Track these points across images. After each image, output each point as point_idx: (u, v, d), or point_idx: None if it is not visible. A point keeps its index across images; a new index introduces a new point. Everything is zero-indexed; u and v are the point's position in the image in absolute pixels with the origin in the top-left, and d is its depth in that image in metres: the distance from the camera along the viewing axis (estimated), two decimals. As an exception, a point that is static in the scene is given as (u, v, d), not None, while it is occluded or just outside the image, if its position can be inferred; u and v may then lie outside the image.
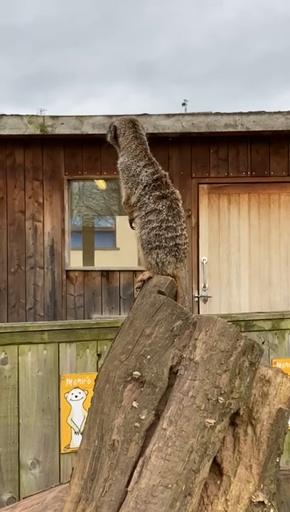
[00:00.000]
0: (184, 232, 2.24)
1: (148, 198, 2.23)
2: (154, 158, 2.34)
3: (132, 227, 2.33)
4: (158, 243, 2.18)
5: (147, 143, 2.42)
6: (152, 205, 2.22)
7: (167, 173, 2.31)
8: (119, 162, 2.37)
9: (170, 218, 2.20)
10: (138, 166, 2.30)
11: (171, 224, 2.20)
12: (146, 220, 2.21)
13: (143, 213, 2.23)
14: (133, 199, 2.28)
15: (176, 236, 2.20)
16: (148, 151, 2.36)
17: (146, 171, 2.28)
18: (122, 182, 2.34)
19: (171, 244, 2.19)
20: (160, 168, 2.32)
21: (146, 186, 2.25)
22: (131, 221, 2.33)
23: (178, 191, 2.29)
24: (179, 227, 2.22)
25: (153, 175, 2.27)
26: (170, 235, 2.19)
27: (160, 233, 2.18)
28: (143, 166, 2.29)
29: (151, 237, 2.19)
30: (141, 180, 2.26)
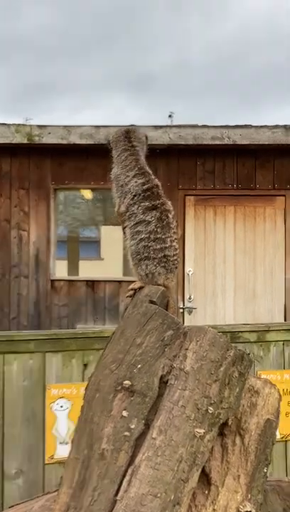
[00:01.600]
0: (174, 244, 2.24)
1: (137, 208, 2.22)
2: (147, 168, 2.34)
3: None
4: (146, 254, 2.18)
5: (141, 152, 2.43)
6: (141, 216, 2.21)
7: (159, 184, 2.31)
8: (111, 173, 2.38)
9: (159, 230, 2.19)
10: (128, 176, 2.30)
11: (160, 235, 2.19)
12: (135, 230, 2.21)
13: (132, 223, 2.23)
14: (122, 208, 2.28)
15: (165, 248, 2.19)
16: (140, 161, 2.36)
17: (136, 181, 2.27)
18: (113, 192, 2.35)
19: (160, 255, 2.18)
20: (152, 177, 2.31)
21: (135, 196, 2.24)
22: (124, 229, 2.34)
23: (169, 202, 2.29)
24: (168, 239, 2.21)
25: (143, 185, 2.27)
26: (158, 246, 2.18)
27: (149, 244, 2.18)
28: (133, 176, 2.29)
29: (139, 248, 2.19)
30: (130, 189, 2.26)
